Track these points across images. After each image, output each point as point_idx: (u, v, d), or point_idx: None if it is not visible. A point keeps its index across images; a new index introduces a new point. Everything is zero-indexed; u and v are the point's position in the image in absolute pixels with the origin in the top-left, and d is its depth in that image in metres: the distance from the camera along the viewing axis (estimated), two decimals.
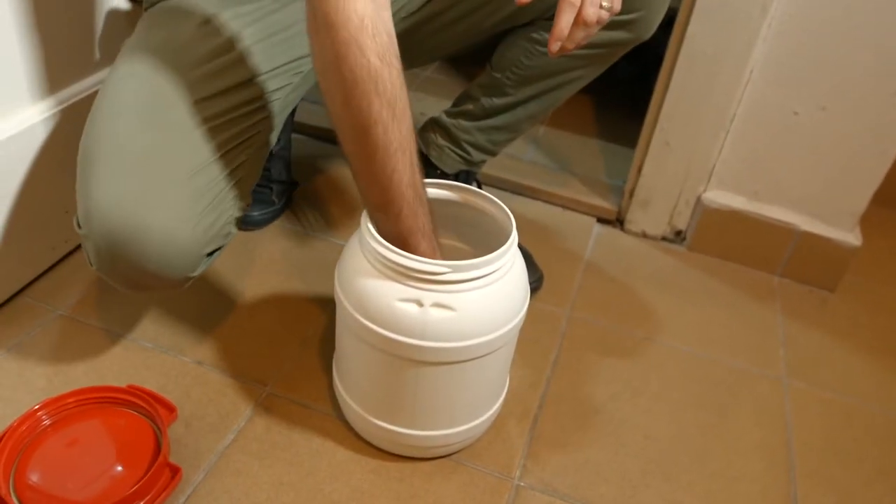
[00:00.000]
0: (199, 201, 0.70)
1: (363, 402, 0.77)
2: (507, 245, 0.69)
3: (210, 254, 0.74)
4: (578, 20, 0.67)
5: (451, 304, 0.66)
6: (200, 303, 0.98)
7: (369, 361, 0.72)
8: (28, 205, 0.90)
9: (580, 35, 0.69)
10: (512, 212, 0.74)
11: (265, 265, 1.06)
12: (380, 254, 0.67)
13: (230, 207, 0.74)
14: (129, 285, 0.73)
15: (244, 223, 1.12)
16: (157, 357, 0.89)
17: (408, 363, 0.69)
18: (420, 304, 0.66)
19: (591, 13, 0.67)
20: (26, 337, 0.89)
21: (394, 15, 0.92)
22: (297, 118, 1.24)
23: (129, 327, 0.92)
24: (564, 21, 0.67)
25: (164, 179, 0.69)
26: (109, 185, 0.68)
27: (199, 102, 0.73)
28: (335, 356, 0.82)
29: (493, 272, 0.68)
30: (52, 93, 0.92)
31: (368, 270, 0.68)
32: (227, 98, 0.75)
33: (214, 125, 0.73)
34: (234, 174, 0.75)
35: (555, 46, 0.69)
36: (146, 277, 0.70)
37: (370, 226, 0.69)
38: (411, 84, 1.66)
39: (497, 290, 0.68)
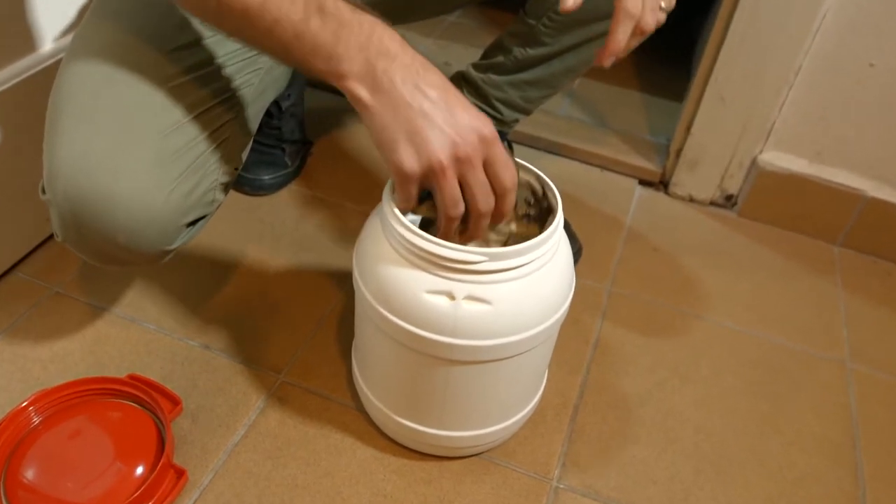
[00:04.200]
0: (174, 164, 0.61)
1: (385, 399, 0.69)
2: (552, 228, 0.59)
3: (192, 224, 0.66)
4: (636, 30, 0.58)
5: (486, 296, 0.58)
6: (207, 279, 0.90)
7: (392, 357, 0.64)
8: (11, 174, 0.82)
9: (635, 43, 0.60)
10: (546, 173, 0.65)
11: (277, 234, 0.98)
12: (405, 238, 0.57)
13: (213, 171, 0.65)
14: (100, 259, 0.65)
15: (253, 187, 1.04)
16: (160, 341, 0.81)
17: (436, 361, 0.61)
18: (451, 296, 0.58)
19: (652, 21, 0.58)
20: (20, 319, 0.82)
21: None
22: None
23: (130, 306, 0.85)
24: (622, 34, 0.57)
25: (133, 138, 0.60)
26: (74, 143, 0.59)
27: (175, 52, 0.63)
28: (354, 344, 0.74)
29: (536, 260, 0.58)
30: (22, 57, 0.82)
31: (392, 256, 0.59)
32: (208, 47, 0.65)
33: (194, 77, 0.64)
34: (219, 133, 0.66)
35: (609, 62, 0.59)
36: (116, 250, 0.62)
37: (394, 204, 0.59)
38: (434, 30, 1.55)
39: (539, 281, 0.59)
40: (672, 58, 1.46)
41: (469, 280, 0.57)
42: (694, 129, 1.07)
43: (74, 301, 0.85)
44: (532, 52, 0.89)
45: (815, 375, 0.88)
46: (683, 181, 1.12)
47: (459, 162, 0.53)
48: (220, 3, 0.53)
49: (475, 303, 0.58)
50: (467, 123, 0.53)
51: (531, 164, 0.66)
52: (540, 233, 0.62)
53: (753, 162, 1.07)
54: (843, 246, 1.08)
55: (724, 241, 1.08)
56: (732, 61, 0.99)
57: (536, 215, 0.66)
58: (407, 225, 0.57)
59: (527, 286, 0.59)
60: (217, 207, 0.69)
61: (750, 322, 0.94)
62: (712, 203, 1.13)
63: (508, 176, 0.56)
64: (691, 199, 1.14)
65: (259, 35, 0.54)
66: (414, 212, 0.62)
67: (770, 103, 1.01)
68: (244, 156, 0.72)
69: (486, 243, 0.63)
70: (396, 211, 0.58)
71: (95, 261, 0.66)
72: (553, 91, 0.94)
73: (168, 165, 0.61)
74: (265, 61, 0.72)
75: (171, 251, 0.66)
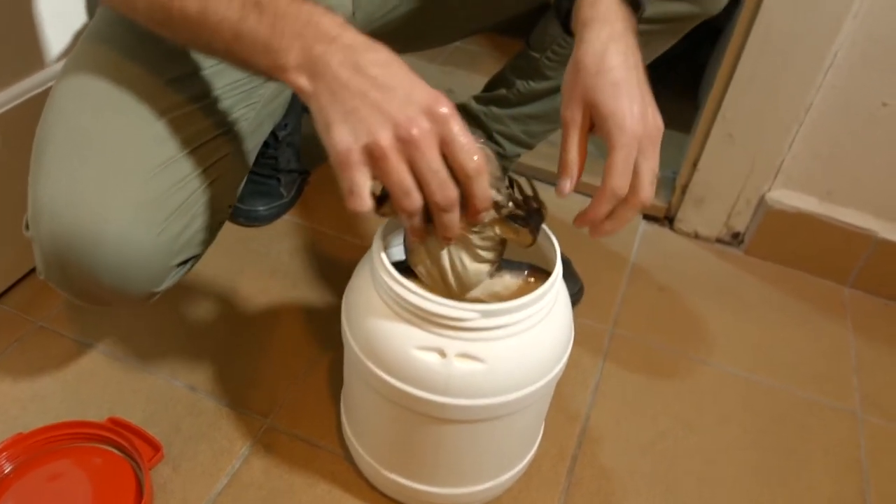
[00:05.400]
0: (165, 203, 0.58)
1: (374, 453, 0.66)
2: (549, 283, 0.56)
3: (181, 264, 0.63)
4: (637, 204, 0.55)
5: (479, 354, 0.55)
6: (196, 313, 0.87)
7: (381, 412, 0.61)
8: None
9: (633, 217, 0.57)
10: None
11: (271, 268, 0.95)
12: (394, 292, 0.55)
13: (206, 210, 0.62)
14: (84, 299, 0.62)
15: (248, 218, 1.01)
16: (145, 380, 0.78)
17: (427, 420, 0.58)
18: (443, 353, 0.55)
19: (652, 194, 0.56)
20: (1, 355, 0.79)
21: None
22: None
23: (115, 343, 0.82)
24: (602, 211, 0.55)
25: (122, 174, 0.57)
26: (60, 178, 0.56)
27: (170, 84, 0.61)
28: (343, 393, 0.72)
29: (532, 316, 0.56)
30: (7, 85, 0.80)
31: (381, 309, 0.57)
32: (203, 79, 0.63)
33: (188, 111, 0.61)
34: (213, 170, 0.63)
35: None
36: (101, 291, 0.59)
37: (384, 254, 0.57)
38: (438, 56, 1.53)
39: (535, 337, 0.56)
40: (679, 87, 1.44)
41: (461, 337, 0.54)
42: (700, 165, 1.04)
43: (59, 336, 0.82)
44: (535, 85, 0.87)
45: (825, 426, 0.85)
46: (689, 217, 1.09)
47: (403, 143, 0.47)
48: (167, 14, 0.51)
49: (468, 360, 0.55)
50: (414, 99, 0.47)
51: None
52: (529, 236, 0.57)
53: (761, 200, 1.04)
54: (853, 287, 1.05)
55: (730, 279, 1.05)
56: (741, 99, 0.96)
57: (524, 217, 0.57)
58: (397, 278, 0.55)
59: (522, 343, 0.56)
60: (207, 247, 0.66)
61: (757, 368, 0.91)
62: (718, 240, 1.10)
63: (468, 159, 0.48)
64: (697, 236, 1.11)
65: (206, 41, 0.52)
66: (380, 213, 0.54)
67: (780, 141, 0.98)
68: (238, 192, 0.69)
69: (471, 250, 0.57)
70: (387, 262, 0.56)
71: (79, 300, 0.63)
72: (556, 126, 0.92)
73: (158, 204, 0.58)
74: (261, 94, 0.70)
75: (158, 293, 0.63)
